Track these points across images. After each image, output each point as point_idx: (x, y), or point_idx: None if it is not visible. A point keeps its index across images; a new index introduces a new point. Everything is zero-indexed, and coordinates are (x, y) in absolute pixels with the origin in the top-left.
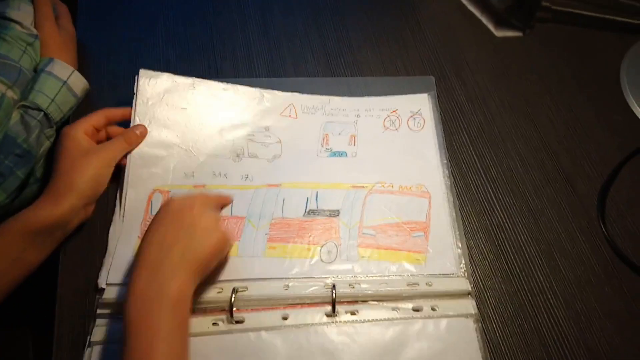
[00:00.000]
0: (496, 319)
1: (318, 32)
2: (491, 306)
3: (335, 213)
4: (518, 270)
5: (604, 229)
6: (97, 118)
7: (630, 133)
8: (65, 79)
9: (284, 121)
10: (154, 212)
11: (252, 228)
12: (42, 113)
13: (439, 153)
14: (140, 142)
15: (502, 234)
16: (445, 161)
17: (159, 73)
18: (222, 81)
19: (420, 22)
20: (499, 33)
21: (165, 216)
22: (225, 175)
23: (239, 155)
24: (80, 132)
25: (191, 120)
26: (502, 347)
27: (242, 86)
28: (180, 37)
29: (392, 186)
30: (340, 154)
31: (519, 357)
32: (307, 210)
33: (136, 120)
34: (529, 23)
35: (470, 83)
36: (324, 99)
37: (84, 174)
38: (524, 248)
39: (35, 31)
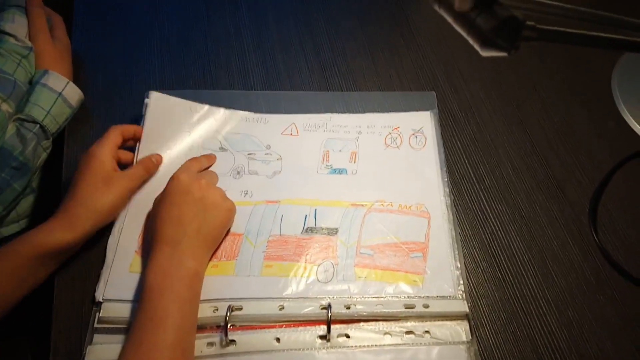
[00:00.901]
0: (489, 325)
1: (312, 41)
2: (484, 313)
3: (333, 231)
4: (511, 278)
5: (595, 236)
6: (115, 137)
7: (621, 140)
8: (60, 90)
9: (285, 140)
10: None
11: (250, 246)
12: (38, 125)
13: (440, 172)
14: (156, 171)
15: (495, 241)
16: (446, 179)
17: (167, 96)
18: (227, 108)
19: (412, 30)
20: (484, 53)
21: (176, 193)
22: (225, 191)
23: (240, 173)
24: (108, 154)
25: (195, 143)
26: (495, 354)
27: (243, 112)
28: (175, 47)
29: (392, 205)
30: (341, 171)
31: None
32: (305, 227)
33: (145, 140)
34: (514, 43)
35: (463, 91)
36: (326, 116)
37: (105, 202)
38: (516, 255)
39: (29, 43)
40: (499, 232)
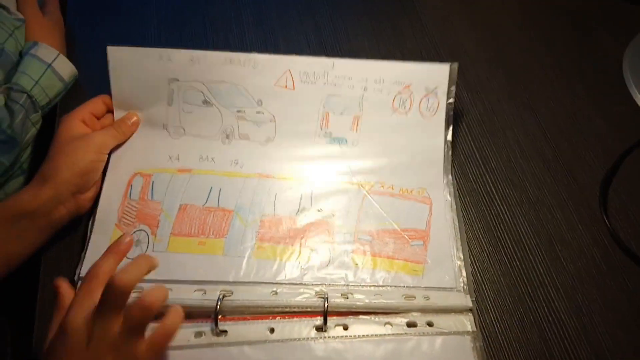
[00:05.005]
0: (494, 311)
1: (313, 20)
2: (489, 298)
3: (330, 214)
4: (517, 262)
5: (606, 221)
6: (95, 104)
7: (632, 124)
8: (49, 62)
9: (279, 93)
10: (133, 197)
11: (241, 224)
12: (26, 96)
13: (446, 151)
14: (133, 132)
15: (501, 224)
16: (449, 166)
17: (129, 48)
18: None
19: (417, 10)
20: None
21: (62, 354)
22: (213, 159)
23: (229, 137)
24: (76, 119)
25: (172, 94)
26: (500, 340)
27: (227, 52)
28: (172, 27)
29: (393, 188)
30: (340, 140)
31: (518, 351)
32: (300, 208)
33: (117, 106)
34: None
35: (470, 73)
36: (327, 62)
37: (69, 160)
38: (523, 239)
39: (21, 16)
40: (505, 215)
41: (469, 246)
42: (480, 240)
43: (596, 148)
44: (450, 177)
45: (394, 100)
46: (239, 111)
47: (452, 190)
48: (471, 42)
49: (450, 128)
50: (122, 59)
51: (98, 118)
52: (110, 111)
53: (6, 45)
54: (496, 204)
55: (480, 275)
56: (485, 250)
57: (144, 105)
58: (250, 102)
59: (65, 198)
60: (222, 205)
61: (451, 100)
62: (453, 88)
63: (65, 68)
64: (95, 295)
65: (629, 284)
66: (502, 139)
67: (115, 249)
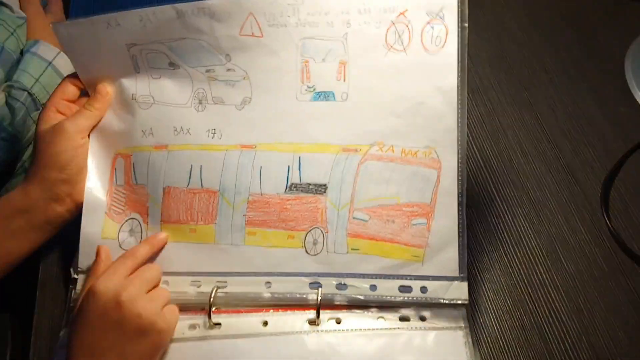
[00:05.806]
0: (494, 312)
1: None
2: (489, 299)
3: (321, 189)
4: (518, 263)
5: (608, 222)
6: (64, 89)
7: (634, 124)
8: (50, 59)
9: (248, 44)
10: (119, 182)
11: (228, 206)
12: (27, 93)
13: (461, 101)
14: (109, 105)
15: (501, 225)
16: (465, 118)
17: (75, 21)
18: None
19: None
20: None
21: (90, 313)
22: (188, 130)
23: (202, 102)
24: (49, 110)
25: (136, 60)
26: (500, 342)
27: (175, 5)
28: None
29: (393, 150)
30: (327, 95)
31: (518, 352)
32: (289, 184)
33: (82, 77)
34: None
35: (471, 73)
36: None
37: (46, 155)
38: (524, 240)
39: (23, 14)
40: (505, 216)
41: (468, 245)
42: (481, 240)
43: (598, 149)
44: (465, 134)
45: (387, 33)
46: (208, 70)
47: (463, 152)
48: (473, 42)
49: (466, 62)
50: (72, 35)
51: (74, 102)
52: (85, 91)
53: (7, 43)
54: (497, 204)
55: (480, 275)
56: (485, 250)
57: (112, 76)
58: (217, 58)
59: (57, 196)
60: (206, 185)
61: (465, 23)
62: (465, 6)
63: (67, 66)
64: (127, 271)
65: (630, 285)
66: (504, 139)
67: (153, 241)
